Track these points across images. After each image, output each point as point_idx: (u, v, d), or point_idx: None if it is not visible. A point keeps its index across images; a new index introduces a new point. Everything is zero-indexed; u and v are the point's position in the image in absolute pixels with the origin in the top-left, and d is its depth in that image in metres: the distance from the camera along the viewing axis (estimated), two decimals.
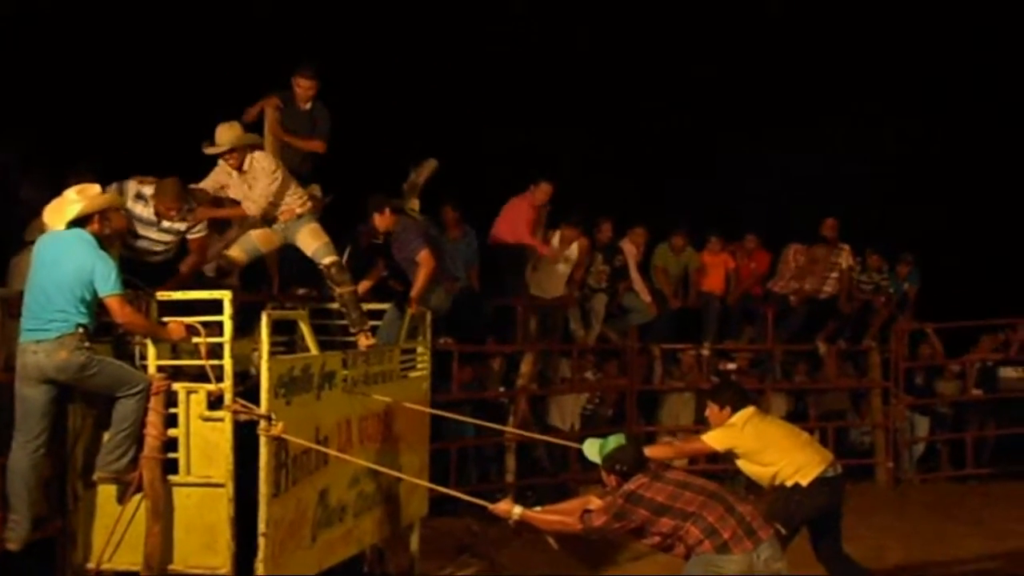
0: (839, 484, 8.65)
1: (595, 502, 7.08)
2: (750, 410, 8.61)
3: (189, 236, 8.93)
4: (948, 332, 16.08)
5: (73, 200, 7.37)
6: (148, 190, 8.65)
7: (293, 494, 7.75)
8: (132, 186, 8.67)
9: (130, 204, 8.62)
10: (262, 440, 7.42)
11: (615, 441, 7.08)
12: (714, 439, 8.58)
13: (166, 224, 8.75)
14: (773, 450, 8.48)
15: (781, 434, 8.66)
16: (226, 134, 8.86)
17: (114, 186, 8.63)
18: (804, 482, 8.40)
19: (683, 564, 6.89)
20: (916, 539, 12.16)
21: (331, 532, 8.36)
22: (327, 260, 9.20)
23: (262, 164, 9.00)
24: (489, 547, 11.32)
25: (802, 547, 8.69)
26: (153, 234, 8.74)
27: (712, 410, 8.69)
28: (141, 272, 8.20)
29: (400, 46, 16.10)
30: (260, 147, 9.21)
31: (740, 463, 8.64)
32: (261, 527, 7.41)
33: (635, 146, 18.25)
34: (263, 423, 7.41)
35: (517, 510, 7.15)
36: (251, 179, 9.00)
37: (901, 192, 19.00)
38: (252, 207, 9.09)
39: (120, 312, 7.25)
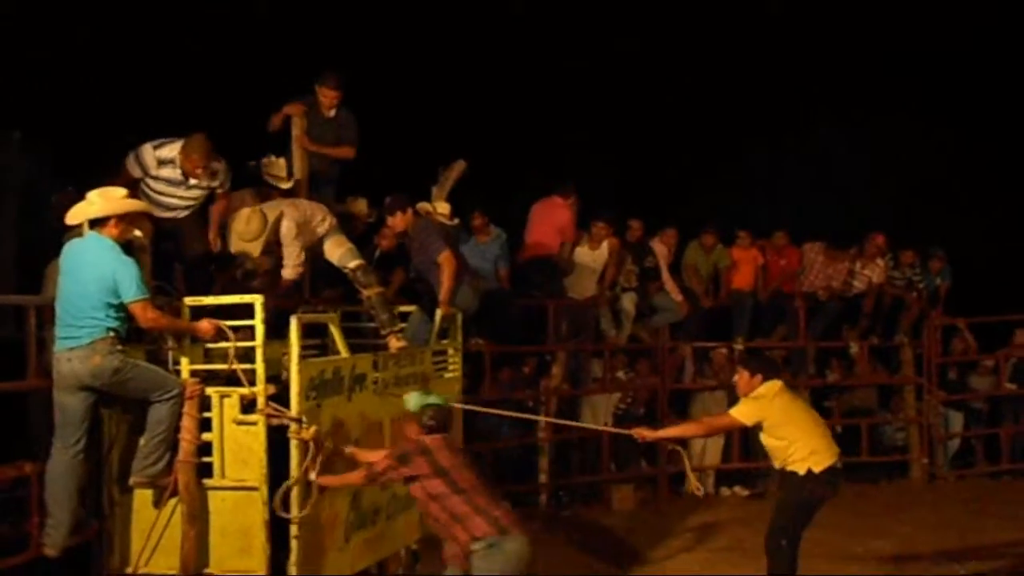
0: (840, 477, 8.62)
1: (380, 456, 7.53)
2: (779, 383, 8.59)
3: (218, 191, 9.09)
4: (982, 327, 15.99)
5: (92, 202, 7.36)
6: (170, 152, 8.70)
7: (325, 496, 7.80)
8: (149, 152, 8.72)
9: (154, 171, 8.68)
10: (293, 443, 7.47)
11: (435, 399, 7.54)
12: (742, 413, 8.55)
13: (193, 182, 8.81)
14: (794, 427, 8.44)
15: (804, 415, 8.64)
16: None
17: (131, 157, 8.70)
18: (817, 469, 8.36)
19: None
20: (951, 534, 12.11)
21: (364, 534, 8.41)
22: (353, 264, 9.24)
23: (286, 232, 9.07)
24: None
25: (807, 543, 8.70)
26: (181, 192, 8.80)
27: (743, 376, 8.65)
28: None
29: (427, 47, 16.12)
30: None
31: (762, 435, 8.59)
32: (293, 529, 7.46)
33: (663, 146, 18.21)
34: (294, 426, 7.46)
35: (312, 476, 7.52)
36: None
37: (933, 187, 18.92)
38: (289, 272, 9.17)
39: (143, 317, 7.26)
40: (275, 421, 7.48)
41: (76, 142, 10.80)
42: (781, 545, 8.44)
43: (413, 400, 7.51)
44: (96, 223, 7.30)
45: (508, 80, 16.80)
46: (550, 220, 13.32)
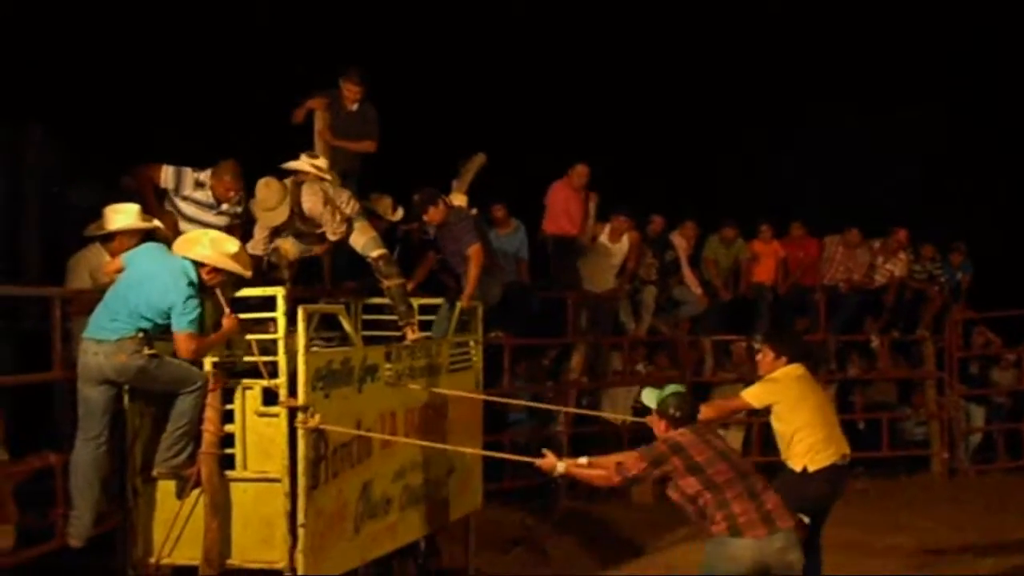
0: (845, 475, 8.59)
1: (632, 454, 7.12)
2: (800, 368, 8.53)
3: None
4: (1004, 321, 15.94)
5: (204, 245, 7.42)
6: (204, 176, 8.76)
7: (334, 486, 7.79)
8: (189, 173, 8.77)
9: (187, 191, 8.74)
10: (299, 432, 7.48)
11: (673, 388, 7.14)
12: (753, 395, 8.52)
13: (224, 207, 8.85)
14: (801, 416, 8.35)
15: (815, 406, 8.49)
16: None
17: (170, 168, 8.73)
18: (812, 468, 8.31)
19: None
20: (972, 530, 12.10)
21: (375, 524, 8.38)
22: (375, 253, 9.21)
23: (311, 203, 9.02)
24: (542, 541, 11.37)
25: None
26: (211, 218, 8.83)
27: (767, 355, 8.58)
28: None
29: (447, 40, 16.15)
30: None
31: (772, 419, 8.52)
32: (300, 518, 7.46)
33: (683, 139, 18.21)
34: (300, 415, 7.47)
35: (561, 465, 7.19)
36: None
37: (954, 180, 18.89)
38: (336, 234, 9.15)
39: (184, 349, 7.25)
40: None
41: (97, 137, 10.84)
42: None
43: (651, 396, 7.17)
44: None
45: (529, 73, 16.81)
46: (554, 204, 13.40)
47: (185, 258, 7.37)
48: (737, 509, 6.65)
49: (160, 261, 7.37)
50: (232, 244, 7.64)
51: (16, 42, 10.95)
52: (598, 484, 7.40)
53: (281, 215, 8.84)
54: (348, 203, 9.19)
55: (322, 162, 9.42)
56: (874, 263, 15.25)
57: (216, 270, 7.43)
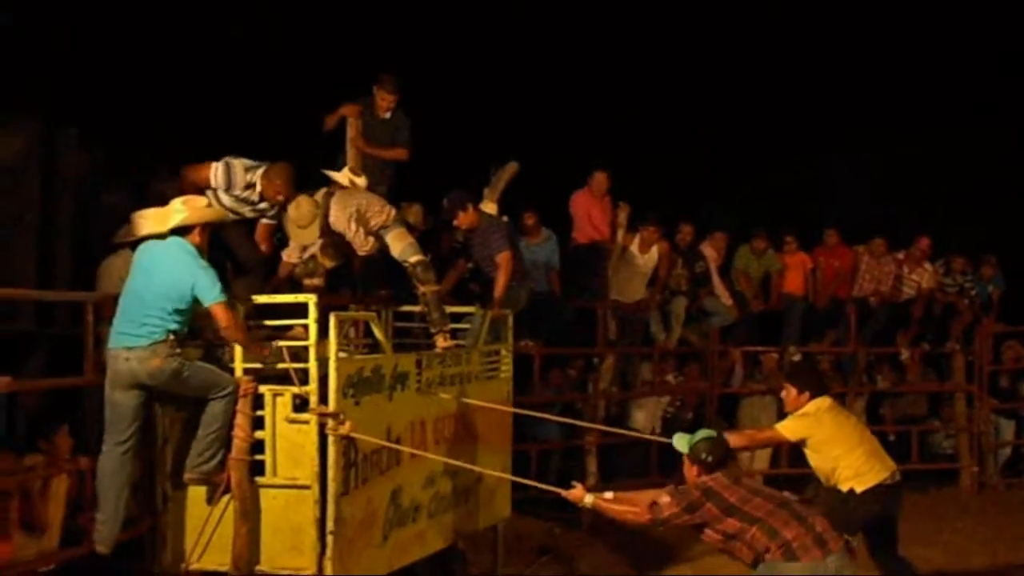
0: (896, 492, 8.54)
1: (664, 495, 7.10)
2: (828, 400, 8.53)
3: (262, 220, 9.13)
4: None
5: (178, 210, 7.45)
6: (254, 177, 8.77)
7: (363, 493, 7.81)
8: (241, 171, 8.75)
9: (239, 191, 8.78)
10: (330, 439, 7.48)
11: (704, 434, 7.17)
12: (788, 429, 8.51)
13: (263, 205, 8.88)
14: (841, 445, 8.37)
15: (852, 433, 8.52)
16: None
17: (220, 166, 8.72)
18: (859, 489, 8.31)
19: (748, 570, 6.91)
20: (1000, 544, 12.03)
21: (404, 532, 8.40)
22: (414, 259, 9.18)
23: (334, 220, 9.03)
24: (570, 550, 11.34)
25: None
26: (246, 210, 8.89)
27: (790, 393, 8.58)
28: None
29: (479, 48, 16.15)
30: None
31: (807, 452, 8.54)
32: (329, 525, 7.48)
33: (713, 149, 18.18)
34: (331, 422, 7.48)
35: (589, 498, 7.25)
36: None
37: (985, 192, 18.79)
38: (363, 251, 9.15)
39: (225, 319, 7.29)
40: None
41: (129, 141, 10.87)
42: None
43: (681, 443, 7.19)
44: (179, 230, 7.38)
45: (562, 82, 16.80)
46: (578, 213, 13.39)
47: (171, 233, 7.37)
48: (789, 535, 6.65)
49: (153, 250, 7.39)
50: (201, 199, 7.71)
51: (50, 44, 11.00)
52: (627, 521, 7.42)
53: (312, 235, 8.91)
54: (382, 211, 9.19)
55: (362, 181, 9.50)
56: (900, 274, 15.18)
57: (204, 229, 7.45)
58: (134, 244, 7.87)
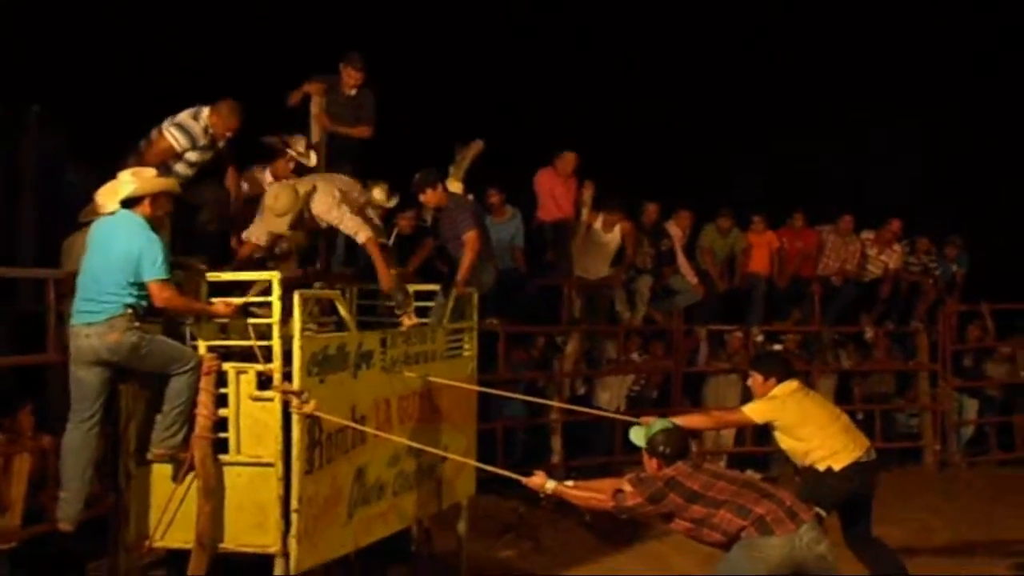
0: (872, 470, 8.59)
1: (626, 484, 7.11)
2: (794, 383, 8.56)
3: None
4: (998, 314, 15.95)
5: (127, 181, 7.41)
6: (205, 120, 8.77)
7: (328, 471, 7.81)
8: (191, 123, 8.75)
9: (202, 141, 8.78)
10: (294, 417, 7.48)
11: (661, 425, 7.15)
12: (755, 411, 8.53)
13: (203, 142, 8.83)
14: (811, 427, 8.41)
15: (821, 413, 8.56)
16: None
17: (172, 130, 8.70)
18: (837, 467, 8.34)
19: (720, 551, 6.93)
20: (963, 522, 12.13)
21: (369, 510, 8.39)
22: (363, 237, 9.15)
23: (322, 206, 8.97)
24: (534, 528, 11.37)
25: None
26: (195, 156, 8.83)
27: (756, 379, 8.62)
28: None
29: (444, 26, 16.11)
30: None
31: (777, 435, 8.59)
32: (293, 503, 7.48)
33: (680, 128, 18.19)
34: (295, 400, 7.47)
35: (550, 484, 7.26)
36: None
37: (952, 173, 18.89)
38: (362, 238, 9.07)
39: (159, 296, 7.26)
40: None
41: (93, 118, 10.80)
42: None
43: (638, 436, 7.17)
44: (129, 202, 7.34)
45: (526, 60, 16.77)
46: (541, 191, 13.40)
47: (122, 207, 7.34)
48: (761, 510, 6.66)
49: (104, 225, 7.36)
50: (149, 170, 7.67)
51: (16, 22, 10.92)
52: (590, 507, 7.49)
53: (283, 224, 8.84)
54: (361, 194, 9.19)
55: (313, 159, 9.53)
56: (867, 254, 15.27)
57: (154, 200, 7.41)
58: None
